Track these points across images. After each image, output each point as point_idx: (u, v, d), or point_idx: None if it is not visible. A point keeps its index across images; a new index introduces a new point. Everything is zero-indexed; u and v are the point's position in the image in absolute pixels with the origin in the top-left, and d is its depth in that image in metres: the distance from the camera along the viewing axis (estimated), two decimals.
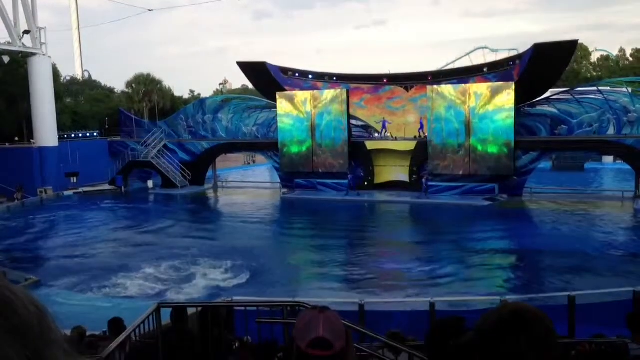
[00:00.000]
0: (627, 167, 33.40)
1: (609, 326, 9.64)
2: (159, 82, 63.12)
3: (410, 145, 36.31)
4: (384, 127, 37.40)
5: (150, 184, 42.84)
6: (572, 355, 7.13)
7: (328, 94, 37.73)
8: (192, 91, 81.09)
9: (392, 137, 37.17)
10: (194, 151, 42.77)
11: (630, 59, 72.43)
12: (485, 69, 35.81)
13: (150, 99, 59.79)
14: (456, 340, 2.80)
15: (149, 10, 55.81)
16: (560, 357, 1.50)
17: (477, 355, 1.54)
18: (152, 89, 61.05)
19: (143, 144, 42.80)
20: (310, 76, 39.76)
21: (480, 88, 33.75)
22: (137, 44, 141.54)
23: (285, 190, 39.26)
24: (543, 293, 15.77)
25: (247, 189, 43.10)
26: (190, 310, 7.28)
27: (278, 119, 38.84)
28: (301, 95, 38.29)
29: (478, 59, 51.86)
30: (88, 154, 43.11)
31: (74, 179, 42.08)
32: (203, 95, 68.93)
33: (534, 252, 22.74)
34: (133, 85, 62.22)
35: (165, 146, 42.82)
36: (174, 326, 6.40)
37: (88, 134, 46.63)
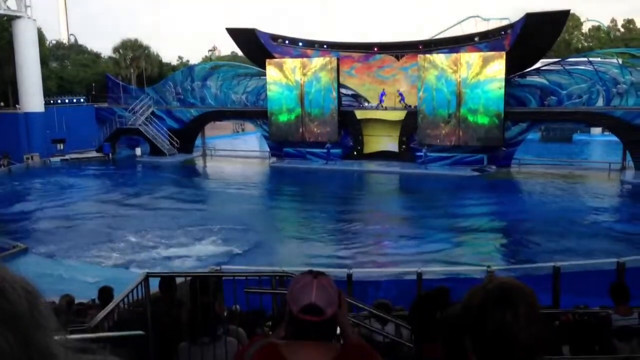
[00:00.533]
0: (615, 138, 33.59)
1: (592, 296, 9.80)
2: (147, 48, 62.26)
3: (400, 115, 36.21)
4: (381, 98, 36.71)
5: (138, 151, 42.57)
6: (556, 325, 7.25)
7: (318, 62, 37.40)
8: (180, 57, 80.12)
9: (382, 106, 37.01)
10: (183, 119, 42.41)
11: (622, 29, 72.25)
12: (476, 39, 35.54)
13: (137, 65, 59.05)
14: (442, 313, 2.82)
15: None
16: (543, 328, 1.52)
17: (463, 330, 1.56)
18: (139, 55, 60.22)
19: (130, 110, 42.37)
20: (300, 44, 39.32)
21: (472, 58, 33.57)
22: (125, 9, 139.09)
23: (274, 158, 39.18)
24: (529, 263, 15.97)
25: (236, 157, 42.95)
26: (179, 280, 7.30)
27: (267, 86, 38.54)
28: (291, 63, 37.92)
29: (470, 27, 51.49)
30: (75, 120, 42.69)
31: (60, 146, 41.74)
32: (191, 62, 68.17)
33: (520, 222, 22.97)
34: (120, 50, 61.30)
35: (153, 113, 42.40)
36: (163, 295, 6.42)
37: (75, 100, 46.09)
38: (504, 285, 1.53)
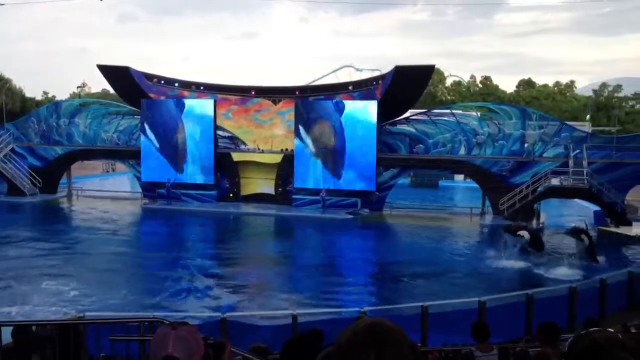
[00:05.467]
0: (476, 185, 36.08)
1: (458, 334, 10.28)
2: (8, 81, 58.45)
3: (277, 158, 36.61)
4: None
5: None
6: None
7: (195, 103, 37.12)
8: (45, 93, 76.09)
9: (258, 149, 37.23)
10: (46, 157, 39.95)
11: (480, 85, 78.85)
12: (350, 87, 37.09)
13: None
14: (317, 355, 2.80)
15: (0, 4, 51.30)
16: None
17: None
18: None
19: None
20: (176, 84, 38.79)
21: (347, 105, 34.94)
22: None
23: (146, 200, 37.82)
24: (399, 304, 16.47)
25: (105, 198, 40.84)
26: (36, 329, 6.71)
27: (141, 126, 37.45)
28: (166, 104, 37.30)
29: (344, 76, 53.58)
30: None
31: None
32: (58, 98, 64.86)
33: (391, 264, 23.78)
34: None
35: (12, 150, 39.57)
36: (17, 346, 5.87)
37: None
38: (371, 326, 1.54)
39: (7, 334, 5.92)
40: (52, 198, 39.16)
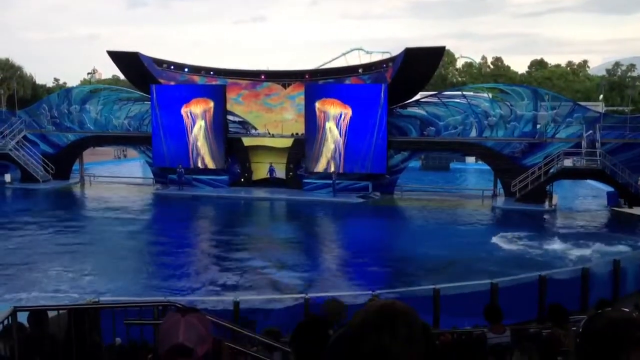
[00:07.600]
0: (487, 167, 35.89)
1: (471, 316, 10.29)
2: (19, 69, 58.72)
3: (287, 142, 36.59)
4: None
5: (7, 177, 39.60)
6: (436, 345, 7.51)
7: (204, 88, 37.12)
8: (56, 80, 76.42)
9: (269, 133, 37.21)
10: (59, 143, 40.17)
11: (491, 66, 78.11)
12: (360, 70, 36.88)
13: (8, 86, 55.37)
14: (328, 336, 2.81)
15: None
16: (425, 350, 1.54)
17: (343, 353, 1.55)
18: (10, 75, 56.58)
19: None
20: (186, 69, 38.75)
21: (357, 88, 34.77)
22: None
23: (158, 186, 38.01)
24: (411, 286, 16.50)
25: (118, 184, 41.12)
26: (51, 314, 6.80)
27: (151, 112, 37.52)
28: (177, 89, 37.33)
29: (353, 59, 53.28)
30: None
31: None
32: (69, 85, 65.15)
33: (402, 246, 23.79)
34: None
35: (25, 137, 39.82)
36: (33, 331, 5.94)
37: None
38: (383, 307, 1.53)
39: (22, 320, 6.00)
40: (65, 184, 39.44)
